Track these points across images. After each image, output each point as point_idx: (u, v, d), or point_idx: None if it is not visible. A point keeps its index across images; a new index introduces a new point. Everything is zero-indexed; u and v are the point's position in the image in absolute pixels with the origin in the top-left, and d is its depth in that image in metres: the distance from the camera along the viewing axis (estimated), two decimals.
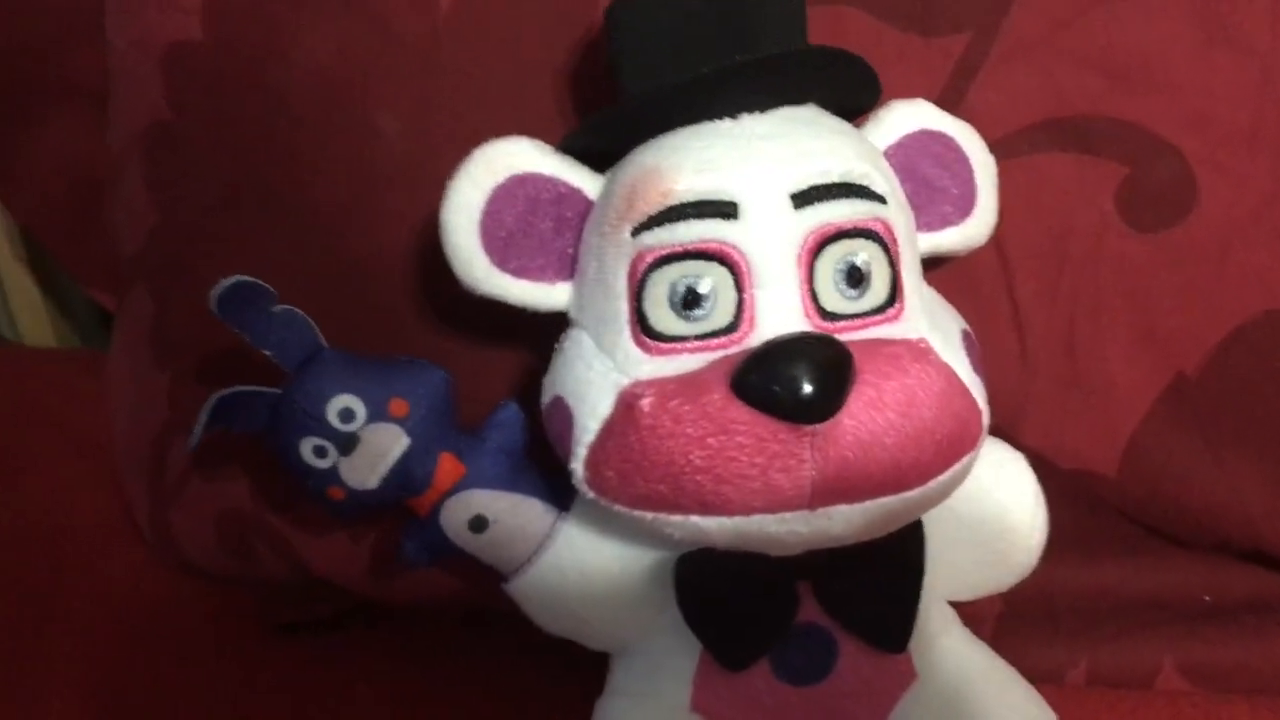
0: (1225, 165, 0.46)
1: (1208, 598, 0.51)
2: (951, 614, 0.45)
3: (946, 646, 0.44)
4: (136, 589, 0.62)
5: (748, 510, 0.35)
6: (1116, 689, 0.51)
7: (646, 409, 0.35)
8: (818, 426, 0.33)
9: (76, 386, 0.79)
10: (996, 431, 0.46)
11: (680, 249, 0.37)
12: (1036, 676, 0.44)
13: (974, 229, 0.44)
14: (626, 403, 0.36)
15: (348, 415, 0.40)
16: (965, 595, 0.45)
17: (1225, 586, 0.51)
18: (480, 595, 0.49)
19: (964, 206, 0.43)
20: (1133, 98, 0.46)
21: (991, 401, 0.40)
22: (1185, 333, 0.47)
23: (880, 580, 0.41)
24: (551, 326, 0.41)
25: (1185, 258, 0.46)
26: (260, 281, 0.41)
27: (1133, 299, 0.47)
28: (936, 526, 0.41)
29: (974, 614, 0.47)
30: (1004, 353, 0.48)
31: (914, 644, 0.42)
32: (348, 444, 0.40)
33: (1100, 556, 0.51)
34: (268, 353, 0.41)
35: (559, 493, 0.43)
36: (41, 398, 0.81)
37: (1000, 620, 0.51)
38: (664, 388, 0.35)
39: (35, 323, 0.95)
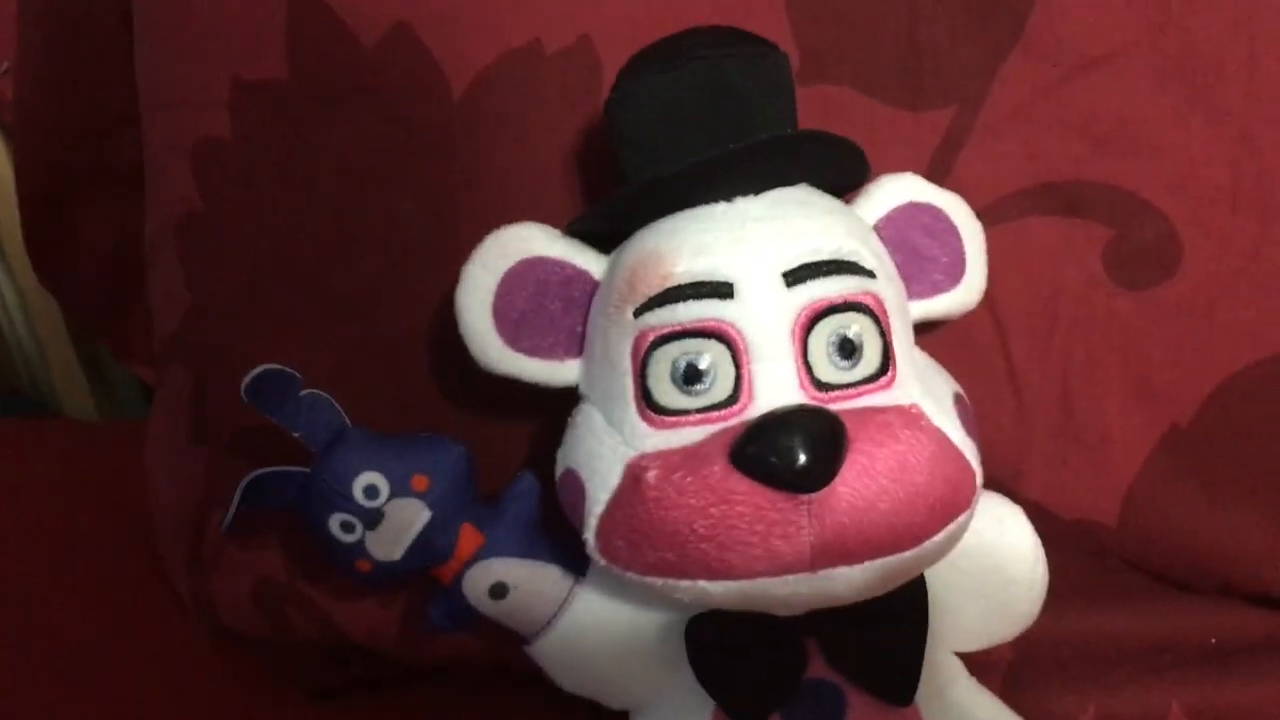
0: (1208, 224, 0.47)
1: (1214, 640, 0.52)
2: (959, 665, 0.47)
3: (953, 697, 0.45)
4: (180, 655, 0.64)
5: (751, 575, 0.36)
6: None
7: (652, 481, 0.37)
8: (813, 495, 0.35)
9: (116, 457, 0.82)
10: (998, 485, 0.48)
11: (680, 328, 0.38)
12: None
13: (965, 295, 0.45)
14: (633, 475, 0.38)
15: (372, 492, 0.43)
16: (971, 646, 0.46)
17: (1231, 629, 0.52)
18: (507, 655, 0.51)
19: (954, 274, 0.45)
20: (1115, 161, 0.47)
21: (991, 456, 0.41)
22: (1177, 385, 0.48)
23: (885, 635, 0.42)
24: (564, 401, 0.43)
25: (1173, 313, 0.48)
26: (286, 369, 0.43)
27: (1124, 354, 0.49)
28: (939, 581, 0.42)
29: (984, 663, 0.48)
30: (1001, 410, 0.49)
31: (921, 696, 0.43)
32: (373, 519, 0.43)
33: (1106, 603, 0.52)
34: (295, 434, 0.44)
35: (575, 558, 0.44)
36: (83, 468, 0.83)
37: (1010, 669, 0.52)
38: (668, 460, 0.37)
39: (76, 395, 0.98)
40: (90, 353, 0.97)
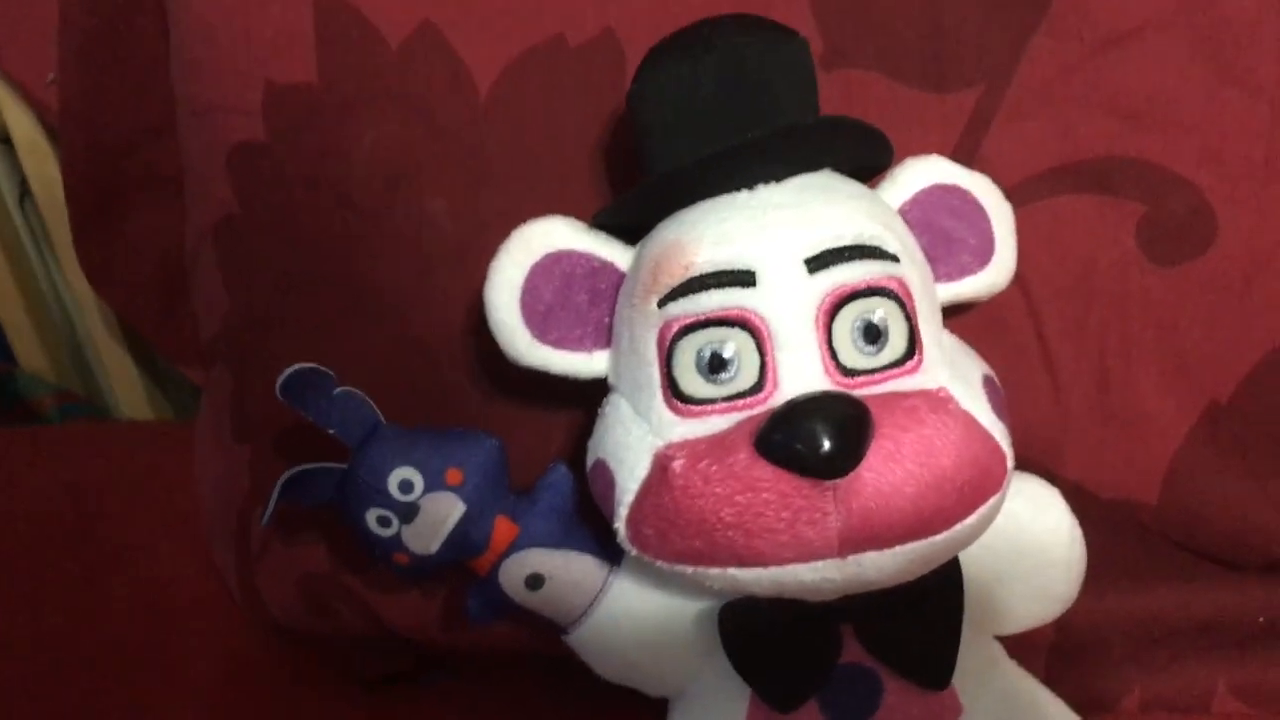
0: (1242, 198, 0.46)
1: (1262, 619, 0.51)
2: (998, 648, 0.46)
3: (992, 679, 0.45)
4: (233, 648, 0.66)
5: (780, 561, 0.36)
6: (1171, 713, 0.51)
7: (678, 470, 0.37)
8: (838, 481, 0.35)
9: (171, 458, 0.83)
10: (1036, 466, 0.47)
11: (704, 317, 0.39)
12: (1090, 705, 0.45)
13: (993, 276, 0.45)
14: (661, 464, 0.38)
15: (407, 486, 0.43)
16: (1010, 629, 0.46)
17: None
18: (549, 644, 0.52)
19: (982, 255, 0.44)
20: (1146, 137, 0.47)
21: (1028, 437, 0.41)
22: (1215, 361, 0.48)
23: (920, 619, 0.42)
24: (595, 392, 0.44)
25: (1210, 288, 0.47)
26: (319, 367, 0.44)
27: (1161, 331, 0.48)
28: (976, 564, 0.42)
29: (1026, 644, 0.48)
30: (1037, 391, 0.49)
31: (959, 679, 0.43)
32: (409, 513, 0.43)
33: (1150, 583, 0.51)
34: (331, 431, 0.44)
35: (610, 547, 0.44)
36: (139, 470, 0.85)
37: (1053, 650, 0.52)
38: (694, 449, 0.37)
39: (132, 397, 0.99)
40: (145, 355, 0.98)
